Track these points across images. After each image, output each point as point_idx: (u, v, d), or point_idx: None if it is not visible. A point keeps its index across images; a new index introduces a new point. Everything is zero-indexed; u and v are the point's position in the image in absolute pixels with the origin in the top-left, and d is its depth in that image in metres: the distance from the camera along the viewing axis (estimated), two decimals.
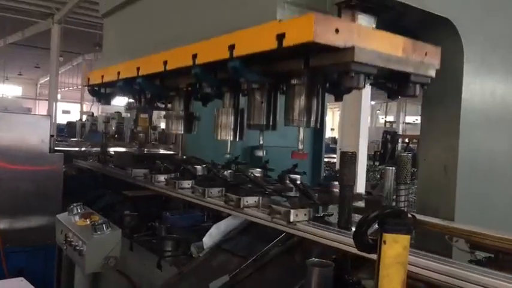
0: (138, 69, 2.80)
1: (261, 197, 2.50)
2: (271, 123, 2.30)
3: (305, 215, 2.15)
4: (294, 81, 2.10)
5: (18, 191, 3.86)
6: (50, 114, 13.08)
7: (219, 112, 2.49)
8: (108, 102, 3.91)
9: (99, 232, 2.76)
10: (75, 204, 3.24)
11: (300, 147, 2.15)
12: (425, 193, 2.51)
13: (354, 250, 1.72)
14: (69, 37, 19.22)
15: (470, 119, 2.34)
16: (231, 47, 1.96)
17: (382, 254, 1.26)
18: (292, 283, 2.07)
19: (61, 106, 30.27)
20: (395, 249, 1.25)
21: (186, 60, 2.27)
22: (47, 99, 22.26)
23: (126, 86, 3.07)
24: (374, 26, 1.96)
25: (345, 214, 2.11)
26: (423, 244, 2.05)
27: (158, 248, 2.96)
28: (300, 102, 2.07)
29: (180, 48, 2.40)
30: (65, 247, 3.02)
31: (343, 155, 2.15)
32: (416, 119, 30.45)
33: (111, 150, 5.31)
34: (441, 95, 2.42)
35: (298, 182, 2.80)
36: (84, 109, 27.70)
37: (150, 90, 3.04)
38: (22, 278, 2.72)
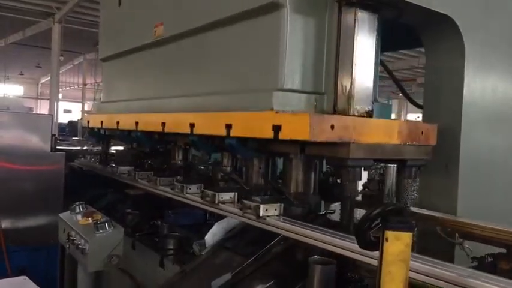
0: (136, 123, 2.91)
1: (236, 193, 2.50)
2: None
3: (275, 209, 2.15)
4: (291, 157, 2.18)
5: (20, 191, 3.87)
6: (52, 114, 13.08)
7: (216, 171, 2.65)
8: (107, 145, 4.03)
9: (101, 231, 2.77)
10: (77, 203, 3.25)
11: None
12: (427, 190, 2.50)
13: (324, 245, 1.79)
14: (69, 36, 19.22)
15: (471, 117, 2.34)
16: (228, 126, 2.04)
17: (384, 251, 1.26)
18: (295, 281, 2.07)
19: (62, 105, 30.31)
20: (397, 246, 1.25)
21: (184, 127, 2.36)
22: (48, 99, 22.28)
23: (124, 135, 3.22)
24: (370, 108, 1.99)
25: (347, 211, 2.11)
26: (425, 241, 2.06)
27: (161, 246, 2.97)
28: (297, 176, 2.18)
29: (179, 114, 2.49)
30: (67, 246, 3.03)
31: None
32: (418, 116, 30.36)
33: (113, 148, 5.31)
34: (442, 93, 2.42)
35: None
36: (86, 108, 27.73)
37: (148, 144, 3.11)
38: (25, 277, 2.73)
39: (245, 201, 2.24)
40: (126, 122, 2.99)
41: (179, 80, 2.76)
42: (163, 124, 2.56)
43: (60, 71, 22.55)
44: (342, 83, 1.96)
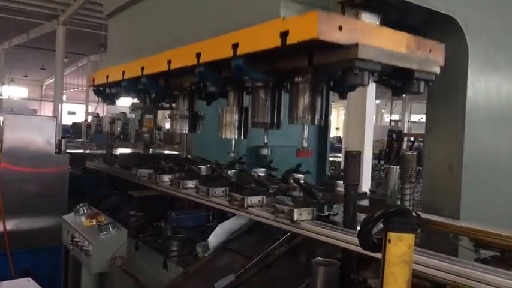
0: (142, 68, 2.80)
1: (264, 197, 2.50)
2: (275, 122, 2.30)
3: (308, 214, 2.15)
4: (297, 79, 2.09)
5: (24, 192, 3.88)
6: (56, 116, 13.15)
7: (224, 111, 2.49)
8: (113, 102, 3.92)
9: (105, 232, 2.78)
10: (81, 205, 3.27)
11: (305, 144, 2.16)
12: (431, 192, 2.50)
13: (359, 249, 1.73)
14: (74, 38, 19.32)
15: (475, 117, 2.33)
16: (235, 46, 1.96)
17: (387, 252, 1.26)
18: (298, 282, 2.07)
19: (66, 107, 30.41)
20: (400, 248, 1.25)
21: (190, 59, 2.28)
22: (52, 101, 22.38)
23: (130, 85, 3.08)
24: (378, 23, 1.96)
25: (350, 213, 2.11)
26: (429, 243, 2.05)
27: (164, 248, 2.98)
28: (303, 100, 2.07)
29: (184, 47, 2.40)
30: (71, 247, 3.04)
31: (348, 154, 2.14)
32: (421, 117, 30.32)
33: (117, 151, 5.34)
34: (446, 93, 2.41)
35: (302, 181, 2.81)
36: (90, 110, 27.84)
37: (155, 89, 3.05)
38: (29, 279, 2.74)
39: (277, 205, 2.23)
40: (132, 69, 2.94)
41: (182, 15, 2.70)
42: (169, 62, 2.49)
43: (65, 73, 22.64)
44: None
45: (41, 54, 24.93)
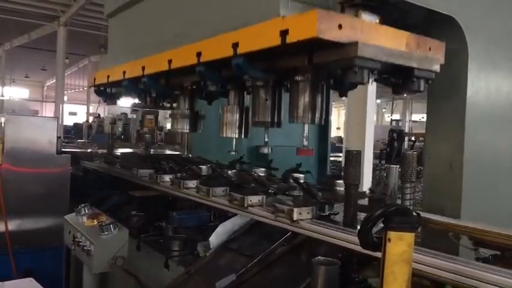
0: (143, 68, 2.81)
1: (264, 196, 2.51)
2: (275, 121, 2.30)
3: (308, 213, 2.16)
4: (297, 78, 2.10)
5: (26, 193, 3.90)
6: (57, 116, 13.17)
7: (224, 110, 2.50)
8: (114, 102, 3.93)
9: (106, 232, 2.79)
10: (82, 205, 3.28)
11: (305, 143, 2.16)
12: (431, 191, 2.50)
13: (359, 248, 1.74)
14: (74, 39, 19.33)
15: (476, 117, 2.34)
16: (235, 45, 1.97)
17: (387, 251, 1.27)
18: (299, 282, 2.07)
19: (68, 108, 30.44)
20: (400, 246, 1.26)
21: (191, 58, 2.28)
22: (53, 101, 22.40)
23: (131, 85, 3.09)
24: (377, 22, 1.96)
25: (350, 213, 2.11)
26: (429, 243, 2.06)
27: (165, 248, 2.99)
28: (304, 98, 2.07)
29: (184, 46, 2.40)
30: (73, 247, 3.05)
31: (348, 153, 2.15)
32: (422, 116, 30.30)
33: (118, 151, 5.35)
34: (446, 93, 2.42)
35: (302, 180, 2.81)
36: (91, 110, 27.87)
37: (156, 89, 3.05)
38: (31, 279, 2.75)
39: (277, 205, 2.24)
40: (133, 69, 2.94)
41: (182, 15, 2.71)
42: (170, 61, 2.50)
43: (66, 74, 22.66)
44: None
45: (42, 55, 24.94)
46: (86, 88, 30.73)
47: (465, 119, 2.30)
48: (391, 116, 34.47)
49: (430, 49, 1.93)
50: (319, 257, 1.96)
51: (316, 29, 1.60)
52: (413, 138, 18.05)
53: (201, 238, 2.90)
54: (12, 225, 3.85)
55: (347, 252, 1.99)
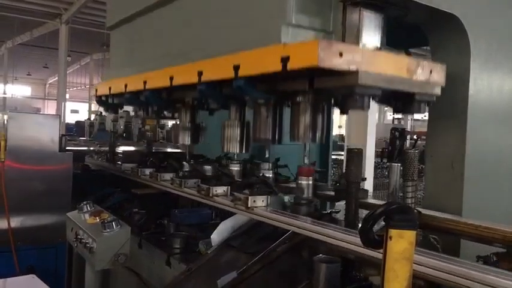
0: (144, 82, 2.87)
1: (229, 187, 2.64)
2: (276, 138, 2.37)
3: (263, 201, 2.31)
4: (298, 99, 2.13)
5: (28, 190, 3.91)
6: (59, 114, 13.19)
7: (225, 125, 2.56)
8: (115, 112, 4.00)
9: (108, 230, 2.79)
10: (84, 203, 3.28)
11: (306, 161, 2.29)
12: (433, 189, 2.50)
13: (308, 233, 1.96)
14: (76, 37, 19.37)
15: (477, 115, 2.33)
16: (236, 67, 2.00)
17: (388, 249, 1.27)
18: (300, 279, 2.08)
19: (70, 106, 30.52)
20: (401, 244, 1.26)
21: (192, 77, 2.32)
22: (55, 99, 22.47)
23: (133, 98, 3.15)
24: (379, 45, 1.98)
25: (352, 211, 2.12)
26: (430, 241, 2.06)
27: (167, 245, 3.00)
28: (305, 119, 2.11)
29: (186, 65, 2.44)
30: (75, 244, 3.06)
31: (349, 151, 2.16)
32: (424, 115, 30.13)
33: (120, 149, 5.35)
34: (448, 91, 2.41)
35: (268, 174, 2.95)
36: (93, 108, 27.92)
37: (157, 103, 3.11)
38: (33, 275, 2.76)
39: (236, 194, 2.42)
40: (134, 82, 2.98)
41: (185, 32, 2.73)
42: (172, 78, 2.54)
43: (68, 72, 22.70)
44: None
45: (44, 53, 25.01)
46: (88, 86, 30.80)
47: (467, 118, 2.30)
48: (393, 114, 34.37)
49: (431, 72, 1.94)
50: (321, 254, 1.96)
51: (317, 58, 1.62)
52: (415, 137, 18.00)
53: (202, 236, 2.91)
54: (15, 222, 3.86)
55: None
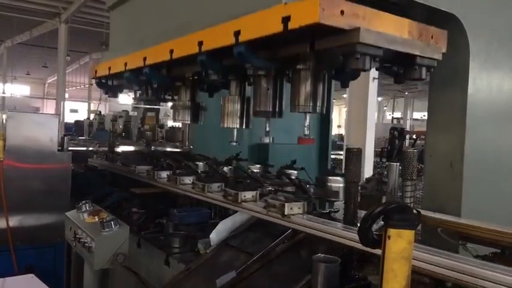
0: (144, 59, 2.80)
1: (258, 192, 2.53)
2: (277, 110, 2.29)
3: (299, 208, 2.19)
4: (299, 66, 2.09)
5: (27, 189, 3.90)
6: (58, 113, 13.17)
7: (226, 100, 2.50)
8: (115, 95, 3.94)
9: (107, 229, 2.79)
10: (83, 202, 3.28)
11: (306, 132, 2.16)
12: (432, 189, 2.50)
13: (349, 242, 1.83)
14: (76, 36, 19.35)
15: (477, 114, 2.33)
16: (237, 33, 1.96)
17: (387, 249, 1.27)
18: (299, 279, 2.08)
19: (69, 105, 30.47)
20: (399, 244, 1.26)
21: (192, 48, 2.27)
22: (54, 99, 22.44)
23: (133, 76, 3.08)
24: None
25: (351, 210, 2.12)
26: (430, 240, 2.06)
27: (166, 245, 2.99)
28: (305, 87, 2.07)
29: (185, 36, 2.39)
30: (74, 244, 3.05)
31: (349, 151, 2.15)
32: (424, 115, 30.23)
33: (119, 148, 5.35)
34: (447, 90, 2.42)
35: (293, 177, 2.83)
36: (92, 108, 27.89)
37: (157, 80, 3.05)
38: (32, 275, 2.76)
39: (269, 200, 2.28)
40: (134, 60, 2.94)
41: (184, 5, 2.69)
42: (172, 51, 2.49)
43: (67, 71, 22.69)
44: None
45: (43, 52, 24.95)
46: (87, 85, 30.75)
47: (466, 117, 2.30)
48: (392, 113, 34.42)
49: (432, 37, 1.92)
50: (320, 254, 1.96)
51: (318, 15, 1.59)
52: (414, 136, 18.02)
53: (201, 235, 2.91)
54: (14, 221, 3.85)
55: (347, 249, 1.99)
